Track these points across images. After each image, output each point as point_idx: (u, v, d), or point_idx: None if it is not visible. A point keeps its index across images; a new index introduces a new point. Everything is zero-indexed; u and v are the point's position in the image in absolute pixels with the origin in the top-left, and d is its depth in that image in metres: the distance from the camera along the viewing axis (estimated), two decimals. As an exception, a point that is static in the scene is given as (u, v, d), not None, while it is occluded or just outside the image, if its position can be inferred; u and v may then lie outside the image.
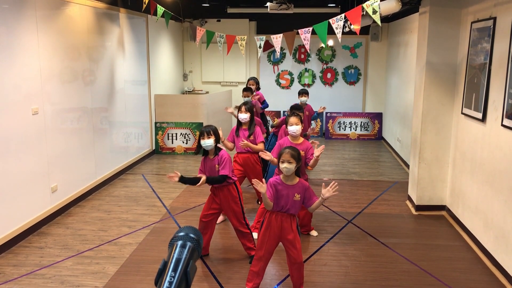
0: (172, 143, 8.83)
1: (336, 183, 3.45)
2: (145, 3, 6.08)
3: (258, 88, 7.64)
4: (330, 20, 5.03)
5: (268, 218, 3.59)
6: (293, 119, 4.56)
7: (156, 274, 1.08)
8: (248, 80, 7.70)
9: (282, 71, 10.86)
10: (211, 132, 4.09)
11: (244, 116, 5.21)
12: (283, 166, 3.46)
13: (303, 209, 4.65)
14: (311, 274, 4.11)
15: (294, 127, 4.53)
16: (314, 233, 5.00)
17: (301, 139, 4.62)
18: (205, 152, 4.21)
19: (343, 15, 4.90)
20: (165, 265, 1.09)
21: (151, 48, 8.57)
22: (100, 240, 4.81)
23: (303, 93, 7.16)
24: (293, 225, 3.58)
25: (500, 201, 4.11)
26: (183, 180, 4.01)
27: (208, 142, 4.08)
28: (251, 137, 5.23)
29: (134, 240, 4.82)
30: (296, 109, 5.74)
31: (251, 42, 10.13)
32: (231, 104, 9.93)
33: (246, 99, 6.67)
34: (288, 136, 4.66)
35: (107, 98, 6.76)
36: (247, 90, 6.89)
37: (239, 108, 5.32)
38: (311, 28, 5.18)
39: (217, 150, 4.17)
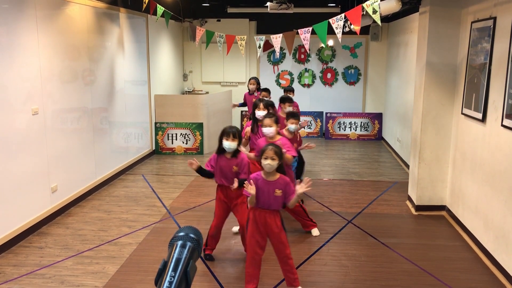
0: (172, 143, 8.82)
1: (310, 180, 3.50)
2: (145, 3, 6.08)
3: (258, 89, 7.67)
4: (330, 20, 5.03)
5: (252, 216, 3.65)
6: (266, 121, 4.55)
7: (156, 274, 1.08)
8: (250, 79, 7.71)
9: (282, 71, 10.85)
10: (236, 135, 4.05)
11: (263, 114, 5.06)
12: (266, 162, 3.49)
13: (293, 210, 4.73)
14: (311, 274, 4.11)
15: (268, 129, 4.52)
16: (315, 232, 4.99)
17: (278, 137, 4.59)
18: (221, 151, 4.16)
19: (343, 15, 4.90)
20: (165, 265, 1.09)
21: (151, 48, 8.57)
22: (100, 240, 4.81)
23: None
24: (277, 221, 3.62)
25: (500, 201, 4.11)
26: (201, 171, 4.17)
27: (232, 145, 4.04)
28: None
29: (134, 240, 4.82)
30: (286, 100, 5.96)
31: (251, 42, 10.13)
32: (231, 103, 9.91)
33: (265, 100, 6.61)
34: (266, 138, 4.65)
35: (107, 98, 6.76)
36: (265, 90, 6.84)
37: (256, 105, 5.25)
38: (311, 28, 5.18)
39: (236, 151, 4.13)
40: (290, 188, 3.59)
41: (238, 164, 4.11)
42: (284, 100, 6.06)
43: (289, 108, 5.97)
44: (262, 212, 3.60)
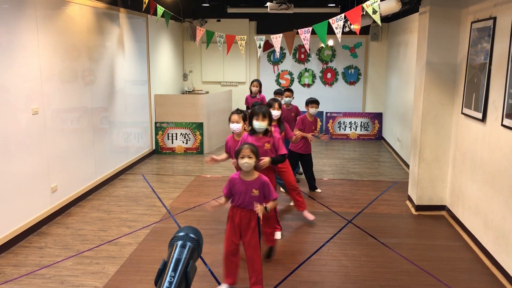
0: (172, 143, 8.82)
1: (259, 211, 3.44)
2: (145, 3, 6.08)
3: (260, 91, 7.67)
4: (330, 20, 5.03)
5: (230, 214, 3.70)
6: (234, 117, 4.59)
7: (156, 274, 1.08)
8: (252, 82, 7.70)
9: (282, 71, 10.86)
10: (266, 115, 4.20)
11: (277, 113, 5.14)
12: (243, 161, 3.49)
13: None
14: (311, 274, 4.11)
15: (235, 125, 4.56)
16: (277, 235, 4.84)
17: (244, 132, 4.59)
18: (253, 131, 4.29)
19: (343, 15, 4.90)
20: (165, 265, 1.09)
21: (151, 48, 8.57)
22: (100, 240, 4.81)
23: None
24: (251, 222, 3.62)
25: (500, 201, 4.11)
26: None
27: (263, 125, 4.18)
28: (282, 133, 5.23)
29: (134, 240, 4.82)
30: (309, 103, 6.32)
31: (251, 42, 10.13)
32: (231, 103, 9.92)
33: (287, 99, 6.62)
34: (233, 134, 4.66)
35: (107, 98, 6.76)
36: (288, 90, 6.84)
37: (270, 105, 5.26)
38: (311, 28, 5.18)
39: (266, 131, 4.27)
40: (269, 189, 3.58)
41: (273, 142, 4.23)
42: (307, 103, 6.34)
43: (312, 110, 6.17)
44: (237, 211, 3.63)
